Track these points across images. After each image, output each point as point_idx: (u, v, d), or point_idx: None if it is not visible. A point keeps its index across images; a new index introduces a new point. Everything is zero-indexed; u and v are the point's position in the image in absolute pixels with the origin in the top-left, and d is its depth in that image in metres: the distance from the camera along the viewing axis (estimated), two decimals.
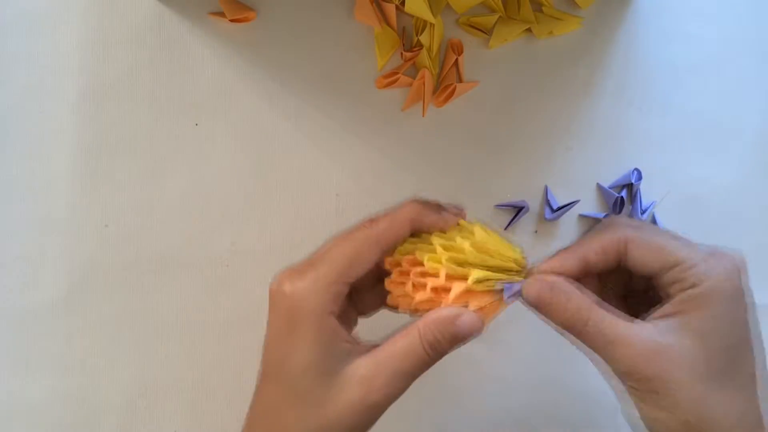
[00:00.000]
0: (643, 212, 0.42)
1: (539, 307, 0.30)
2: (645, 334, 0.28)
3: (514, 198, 0.43)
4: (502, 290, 0.30)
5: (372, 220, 0.31)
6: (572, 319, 0.30)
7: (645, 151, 0.43)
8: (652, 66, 0.44)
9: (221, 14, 0.42)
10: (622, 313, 0.29)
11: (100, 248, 0.42)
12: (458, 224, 0.32)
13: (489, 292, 0.30)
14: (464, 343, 0.29)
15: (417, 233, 0.32)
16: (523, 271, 0.31)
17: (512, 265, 0.30)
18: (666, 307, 0.29)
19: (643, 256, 0.30)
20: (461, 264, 0.30)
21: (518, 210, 0.42)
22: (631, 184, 0.42)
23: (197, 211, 0.42)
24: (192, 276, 0.42)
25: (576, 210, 0.43)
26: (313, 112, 0.42)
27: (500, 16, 0.43)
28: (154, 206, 0.42)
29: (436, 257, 0.30)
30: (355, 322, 0.34)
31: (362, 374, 0.29)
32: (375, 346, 0.30)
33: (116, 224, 0.42)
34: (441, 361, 0.42)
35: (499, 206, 0.43)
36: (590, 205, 0.43)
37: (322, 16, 0.43)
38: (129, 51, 0.42)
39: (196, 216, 0.42)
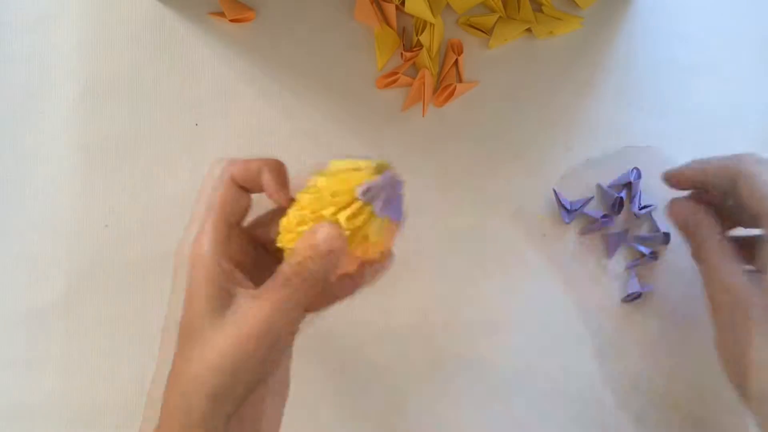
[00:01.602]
0: (641, 209, 0.42)
1: (678, 226, 0.37)
2: (729, 269, 0.33)
3: (514, 198, 0.43)
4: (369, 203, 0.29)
5: (231, 160, 0.32)
6: (696, 243, 0.36)
7: (645, 151, 0.43)
8: (652, 66, 0.44)
9: (221, 14, 0.42)
10: (733, 250, 0.34)
11: (100, 248, 0.42)
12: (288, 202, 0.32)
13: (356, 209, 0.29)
14: (331, 257, 0.29)
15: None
16: (378, 170, 0.30)
17: (363, 174, 0.29)
18: (757, 256, 0.33)
19: (747, 196, 0.33)
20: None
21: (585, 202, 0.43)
22: (631, 183, 0.42)
23: None
24: None
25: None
26: (313, 112, 0.42)
27: (500, 16, 0.43)
28: (154, 206, 0.42)
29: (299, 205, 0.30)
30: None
31: (241, 308, 0.29)
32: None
33: (116, 224, 0.42)
34: (441, 361, 0.42)
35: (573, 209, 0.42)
36: (590, 205, 0.43)
37: (322, 16, 0.43)
38: (129, 51, 0.42)
39: None
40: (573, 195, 0.43)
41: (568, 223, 0.43)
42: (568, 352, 0.43)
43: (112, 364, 0.41)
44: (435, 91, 0.43)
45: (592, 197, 0.43)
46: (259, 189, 0.32)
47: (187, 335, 0.30)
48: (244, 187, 0.32)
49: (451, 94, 0.42)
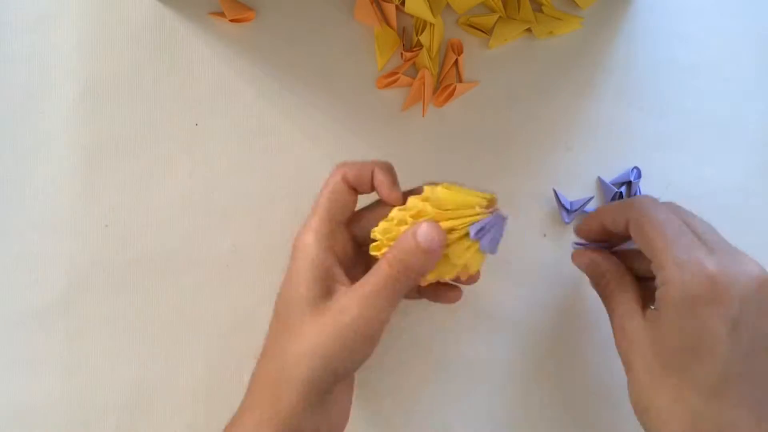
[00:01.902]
0: None
1: (586, 272, 0.37)
2: (624, 311, 0.33)
3: (514, 198, 0.43)
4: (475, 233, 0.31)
5: (344, 163, 0.35)
6: (599, 290, 0.37)
7: (645, 150, 0.43)
8: (652, 66, 0.44)
9: (221, 14, 0.42)
10: (635, 299, 0.34)
11: (100, 248, 0.42)
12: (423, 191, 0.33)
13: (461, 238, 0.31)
14: (430, 257, 0.30)
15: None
16: (492, 209, 0.32)
17: (476, 209, 0.31)
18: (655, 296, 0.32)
19: (639, 241, 0.33)
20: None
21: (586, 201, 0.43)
22: (630, 182, 0.42)
23: (197, 211, 0.42)
24: (192, 276, 0.42)
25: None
26: (313, 111, 0.43)
27: (500, 16, 0.43)
28: (154, 206, 0.42)
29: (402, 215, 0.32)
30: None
31: (339, 302, 0.31)
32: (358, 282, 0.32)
33: (116, 224, 0.42)
34: (442, 362, 0.42)
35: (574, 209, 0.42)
36: (590, 204, 0.43)
37: (322, 15, 0.43)
38: (129, 51, 0.42)
39: (196, 216, 0.42)
40: (573, 195, 0.43)
41: (568, 223, 0.43)
42: (568, 352, 0.43)
43: (112, 364, 0.41)
44: (435, 91, 0.43)
45: (592, 197, 0.43)
46: (368, 189, 0.35)
47: (281, 321, 0.32)
48: (354, 188, 0.34)
49: (451, 94, 0.42)
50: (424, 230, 0.30)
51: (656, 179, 0.43)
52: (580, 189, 0.43)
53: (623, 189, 0.43)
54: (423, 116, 0.43)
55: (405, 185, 0.43)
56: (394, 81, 0.42)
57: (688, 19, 0.44)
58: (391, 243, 0.32)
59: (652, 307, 0.33)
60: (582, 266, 0.38)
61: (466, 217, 0.31)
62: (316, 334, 0.30)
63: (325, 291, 0.32)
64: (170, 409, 0.42)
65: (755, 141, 0.44)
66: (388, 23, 0.42)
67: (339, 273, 0.33)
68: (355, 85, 0.43)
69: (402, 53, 0.42)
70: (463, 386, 0.42)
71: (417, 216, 0.32)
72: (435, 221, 0.31)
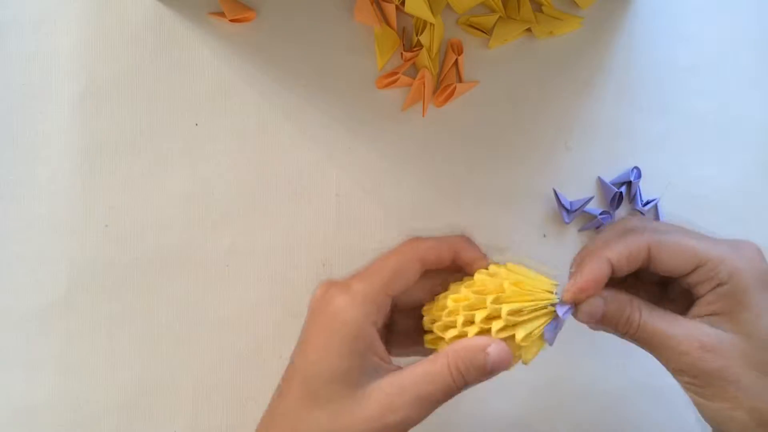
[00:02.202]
0: (644, 205, 0.42)
1: (596, 322, 0.32)
2: (692, 331, 0.30)
3: (514, 198, 0.43)
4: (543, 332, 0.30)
5: (418, 238, 0.33)
6: (625, 326, 0.31)
7: (645, 150, 0.43)
8: (652, 66, 0.44)
9: (221, 14, 0.42)
10: (668, 312, 0.31)
11: (100, 248, 0.42)
12: (487, 268, 0.32)
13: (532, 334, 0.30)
14: (493, 375, 0.29)
15: (447, 287, 0.33)
16: (555, 299, 0.31)
17: (547, 306, 0.30)
18: (704, 306, 0.30)
19: (670, 260, 0.31)
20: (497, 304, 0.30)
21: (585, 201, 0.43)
22: (630, 182, 0.42)
23: (197, 211, 0.42)
24: (192, 276, 0.42)
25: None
26: (313, 112, 0.42)
27: (500, 16, 0.43)
28: (154, 206, 0.42)
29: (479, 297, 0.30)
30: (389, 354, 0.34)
31: (385, 392, 0.29)
32: (404, 366, 0.30)
33: (116, 224, 0.42)
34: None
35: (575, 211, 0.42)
36: (590, 204, 0.43)
37: (322, 16, 0.43)
38: (129, 51, 0.42)
39: (196, 216, 0.42)
40: (573, 195, 0.43)
41: (568, 223, 0.43)
42: (569, 352, 0.43)
43: (112, 364, 0.41)
44: (435, 91, 0.43)
45: (592, 197, 0.43)
46: (438, 265, 0.32)
47: (308, 393, 0.29)
48: (427, 267, 0.32)
49: (451, 94, 0.42)
50: (497, 351, 0.29)
51: (656, 179, 0.43)
52: (580, 189, 0.43)
53: (623, 189, 0.43)
54: (423, 116, 0.43)
55: (405, 185, 0.43)
56: (394, 81, 0.42)
57: (688, 19, 0.44)
58: (447, 334, 0.31)
59: (694, 318, 0.31)
60: (600, 311, 0.32)
61: (539, 316, 0.30)
62: (351, 421, 0.28)
63: (365, 371, 0.29)
64: (170, 409, 0.42)
65: (755, 141, 0.44)
66: (388, 23, 0.42)
67: (381, 350, 0.30)
68: (355, 85, 0.43)
69: (402, 53, 0.42)
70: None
71: (484, 319, 0.30)
72: (503, 323, 0.29)
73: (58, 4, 0.42)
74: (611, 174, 0.43)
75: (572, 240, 0.43)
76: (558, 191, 0.42)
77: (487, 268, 0.32)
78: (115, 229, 0.42)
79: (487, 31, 0.43)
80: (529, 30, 0.43)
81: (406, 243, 0.33)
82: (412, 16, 0.42)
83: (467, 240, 0.33)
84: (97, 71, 0.42)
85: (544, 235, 0.43)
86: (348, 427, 0.28)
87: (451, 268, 0.34)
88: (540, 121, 0.43)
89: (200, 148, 0.42)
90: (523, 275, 0.31)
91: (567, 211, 0.42)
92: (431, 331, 0.33)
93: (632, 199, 0.43)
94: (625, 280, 0.34)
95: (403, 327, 0.34)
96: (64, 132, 0.42)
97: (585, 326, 0.42)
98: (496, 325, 0.29)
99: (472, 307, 0.30)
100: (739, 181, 0.44)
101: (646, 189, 0.43)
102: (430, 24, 0.41)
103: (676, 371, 0.30)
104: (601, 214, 0.42)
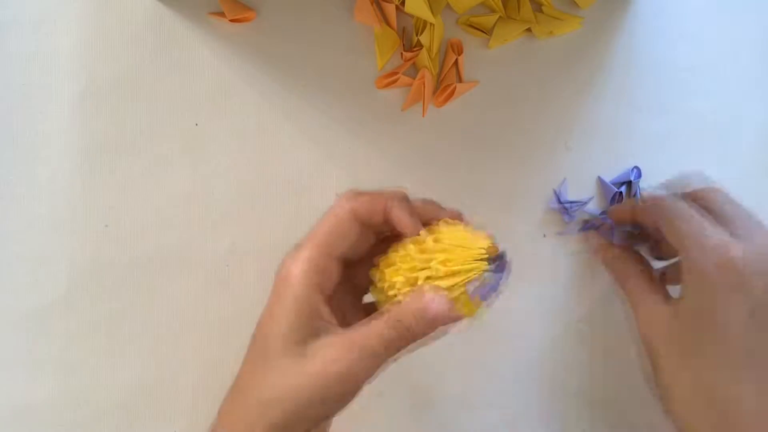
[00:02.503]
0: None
1: (607, 268, 0.40)
2: (648, 300, 0.35)
3: (514, 198, 0.43)
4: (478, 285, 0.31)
5: (353, 193, 0.32)
6: (620, 282, 0.39)
7: (645, 150, 0.43)
8: (652, 66, 0.44)
9: (221, 14, 0.42)
10: (652, 284, 0.36)
11: (100, 248, 0.42)
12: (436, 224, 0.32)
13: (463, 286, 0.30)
14: (436, 325, 0.30)
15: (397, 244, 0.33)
16: (494, 258, 0.31)
17: (479, 265, 0.30)
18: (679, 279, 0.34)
19: (668, 234, 0.34)
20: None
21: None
22: (630, 181, 0.42)
23: (197, 211, 0.42)
24: (192, 276, 0.42)
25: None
26: (313, 112, 0.42)
27: (500, 16, 0.43)
28: (154, 206, 0.42)
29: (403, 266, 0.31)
30: (356, 306, 0.34)
31: (330, 348, 0.29)
32: (349, 327, 0.30)
33: (116, 224, 0.42)
34: (443, 361, 0.42)
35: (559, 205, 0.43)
36: (590, 204, 0.43)
37: (322, 16, 0.43)
38: (129, 51, 0.42)
39: (196, 216, 0.42)
40: (573, 195, 0.43)
41: (567, 223, 0.43)
42: (569, 351, 0.43)
43: (112, 364, 0.41)
44: (435, 91, 0.43)
45: (592, 197, 0.43)
46: (379, 224, 0.32)
47: (259, 355, 0.30)
48: (363, 222, 0.32)
49: (451, 94, 0.42)
50: (435, 300, 0.29)
51: (656, 179, 0.43)
52: (580, 189, 0.43)
53: (623, 189, 0.43)
54: (423, 116, 0.43)
55: (405, 185, 0.43)
56: (394, 81, 0.42)
57: (688, 19, 0.44)
58: (393, 291, 0.31)
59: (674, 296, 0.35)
60: (606, 261, 0.40)
61: (469, 272, 0.30)
62: (296, 377, 0.29)
63: (310, 331, 0.30)
64: (170, 409, 0.42)
65: (755, 141, 0.44)
66: (388, 23, 0.42)
67: (326, 312, 0.31)
68: (355, 85, 0.43)
69: (402, 53, 0.42)
70: (459, 386, 0.42)
71: (414, 269, 0.30)
72: (440, 276, 0.30)
73: (58, 4, 0.42)
74: (611, 174, 0.43)
75: (573, 240, 0.43)
76: (559, 191, 0.42)
77: (418, 231, 0.32)
78: (115, 229, 0.42)
79: (487, 31, 0.43)
80: (529, 30, 0.43)
81: (340, 200, 0.32)
82: (412, 16, 0.42)
83: (400, 198, 0.32)
84: (97, 71, 0.42)
85: (544, 235, 0.43)
86: (293, 382, 0.29)
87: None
88: (540, 121, 0.43)
89: (200, 148, 0.42)
90: (460, 232, 0.31)
91: (567, 211, 0.42)
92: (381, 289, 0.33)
93: (633, 197, 0.43)
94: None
95: (366, 280, 0.34)
96: (64, 132, 0.42)
97: (583, 326, 0.42)
98: (424, 274, 0.30)
99: (414, 269, 0.31)
100: (739, 181, 0.44)
101: (646, 189, 0.43)
102: (430, 24, 0.41)
103: (638, 334, 0.36)
104: (601, 213, 0.42)
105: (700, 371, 0.32)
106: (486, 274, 0.30)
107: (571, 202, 0.42)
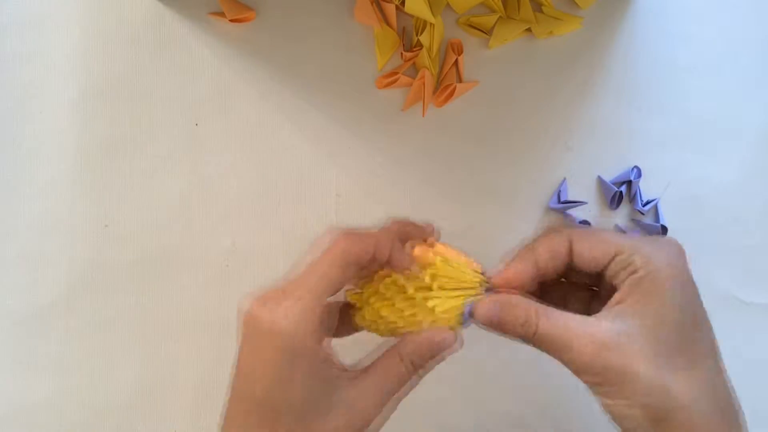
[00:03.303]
0: (644, 205, 0.42)
1: (491, 326, 0.31)
2: (591, 330, 0.29)
3: (514, 198, 0.43)
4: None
5: (350, 235, 0.30)
6: (522, 330, 0.30)
7: (645, 150, 0.43)
8: (652, 66, 0.44)
9: (221, 14, 0.42)
10: (568, 314, 0.30)
11: (100, 248, 0.42)
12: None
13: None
14: (443, 359, 0.31)
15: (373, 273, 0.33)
16: (483, 287, 0.32)
17: (474, 291, 0.32)
18: (615, 296, 0.30)
19: (590, 250, 0.31)
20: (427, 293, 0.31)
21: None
22: (630, 181, 0.42)
23: (197, 211, 0.42)
24: (192, 276, 0.42)
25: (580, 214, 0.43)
26: (313, 112, 0.42)
27: (500, 16, 0.43)
28: (154, 206, 0.42)
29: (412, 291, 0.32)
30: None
31: (350, 399, 0.29)
32: (360, 370, 0.30)
33: (116, 224, 0.42)
34: (442, 361, 0.42)
35: (557, 206, 0.43)
36: (590, 204, 0.43)
37: (322, 16, 0.43)
38: (129, 51, 0.42)
39: (196, 216, 0.42)
40: (573, 195, 0.43)
41: (551, 208, 0.43)
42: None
43: (112, 364, 0.41)
44: (435, 91, 0.43)
45: (586, 203, 0.43)
46: (370, 262, 0.30)
47: (273, 424, 0.28)
48: (355, 264, 0.30)
49: (451, 94, 0.42)
50: (444, 338, 0.30)
51: (656, 179, 0.43)
52: (580, 189, 0.43)
53: (623, 188, 0.43)
54: (423, 116, 0.43)
55: (405, 185, 0.43)
56: (394, 81, 0.42)
57: (687, 19, 0.44)
58: (388, 325, 0.32)
59: (604, 311, 0.30)
60: (495, 314, 0.31)
61: (465, 296, 0.32)
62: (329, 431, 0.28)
63: (328, 384, 0.28)
64: (170, 409, 0.42)
65: (755, 141, 0.44)
66: (388, 23, 0.42)
67: (334, 359, 0.29)
68: (355, 85, 0.43)
69: (402, 53, 0.42)
70: (459, 386, 0.42)
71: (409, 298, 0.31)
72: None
73: (58, 4, 0.42)
74: (611, 174, 0.43)
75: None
76: (558, 191, 0.42)
77: (409, 265, 0.32)
78: (115, 229, 0.42)
79: (487, 31, 0.43)
80: (529, 30, 0.43)
81: (334, 239, 0.30)
82: (412, 16, 0.42)
83: (392, 237, 0.31)
84: (97, 71, 0.42)
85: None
86: None
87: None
88: (540, 121, 0.43)
89: (200, 148, 0.42)
90: (452, 257, 0.32)
91: (558, 198, 0.42)
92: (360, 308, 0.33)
93: (632, 198, 0.43)
94: (559, 284, 0.34)
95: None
96: (64, 132, 0.42)
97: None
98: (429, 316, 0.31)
99: (412, 306, 0.32)
100: (739, 181, 0.44)
101: (646, 189, 0.43)
102: (430, 24, 0.41)
103: (578, 372, 0.29)
104: (580, 222, 0.42)
105: (695, 364, 0.28)
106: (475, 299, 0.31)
107: (569, 202, 0.42)
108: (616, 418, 0.29)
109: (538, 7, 0.43)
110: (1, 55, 0.42)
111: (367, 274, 0.33)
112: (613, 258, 0.30)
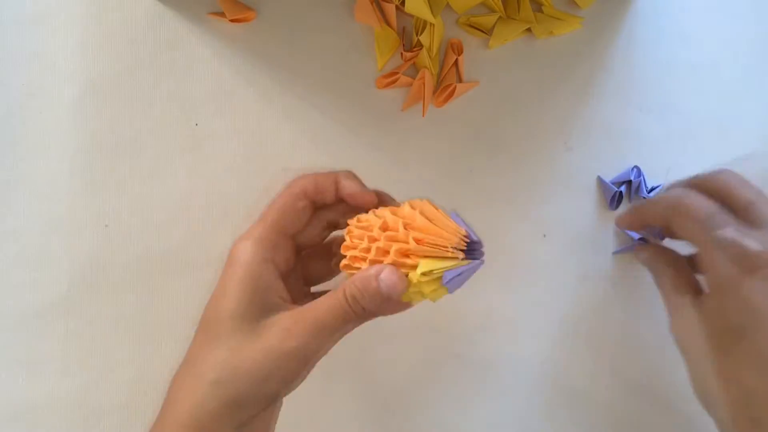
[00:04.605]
0: (649, 192, 0.42)
1: (646, 265, 0.39)
2: (679, 307, 0.34)
3: (514, 198, 0.43)
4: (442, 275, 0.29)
5: (303, 174, 0.33)
6: (659, 283, 0.38)
7: (645, 150, 0.43)
8: (652, 66, 0.44)
9: (221, 14, 0.42)
10: (688, 289, 0.35)
11: (100, 248, 0.42)
12: (407, 203, 0.31)
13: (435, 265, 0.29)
14: (389, 302, 0.29)
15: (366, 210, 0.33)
16: (472, 247, 0.30)
17: (453, 251, 0.29)
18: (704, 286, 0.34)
19: (681, 234, 0.34)
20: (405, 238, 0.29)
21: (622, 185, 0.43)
22: (630, 181, 0.43)
23: (197, 211, 0.42)
24: (192, 276, 0.42)
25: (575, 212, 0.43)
26: (313, 112, 0.43)
27: (500, 16, 0.43)
28: (154, 206, 0.42)
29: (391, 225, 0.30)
30: (306, 294, 0.35)
31: (283, 323, 0.29)
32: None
33: (116, 224, 0.42)
34: (442, 362, 0.42)
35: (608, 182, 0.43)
36: (590, 204, 0.43)
37: (322, 16, 0.43)
38: (129, 51, 0.42)
39: (196, 216, 0.42)
40: (573, 195, 0.43)
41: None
42: (568, 352, 0.43)
43: (112, 364, 0.41)
44: (435, 91, 0.43)
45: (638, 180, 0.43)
46: (330, 200, 0.33)
47: (211, 333, 0.30)
48: (312, 200, 0.32)
49: (451, 94, 0.42)
50: (387, 277, 0.28)
51: (656, 179, 0.43)
52: (580, 189, 0.43)
53: (623, 188, 0.43)
54: (423, 116, 0.43)
55: (405, 185, 0.43)
56: (394, 81, 0.42)
57: (688, 19, 0.44)
58: (351, 258, 0.30)
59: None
60: (643, 260, 0.40)
61: (442, 258, 0.29)
62: (250, 354, 0.28)
63: (263, 307, 0.29)
64: None
65: (755, 141, 0.44)
66: (388, 23, 0.42)
67: (280, 288, 0.31)
68: (355, 85, 0.43)
69: (402, 53, 0.42)
70: (459, 386, 0.42)
71: (390, 239, 0.30)
72: (403, 258, 0.29)
73: (58, 4, 0.42)
74: (611, 174, 0.43)
75: (572, 240, 0.43)
76: (603, 178, 0.43)
77: (374, 202, 0.32)
78: (115, 229, 0.42)
79: (487, 31, 0.43)
80: (529, 30, 0.43)
81: (291, 180, 0.33)
82: (412, 16, 0.42)
83: (349, 174, 0.33)
84: (97, 71, 0.42)
85: (544, 235, 0.43)
86: (247, 359, 0.28)
87: (343, 207, 0.34)
88: (540, 121, 0.43)
89: (200, 148, 0.42)
90: (433, 215, 0.30)
91: (645, 187, 0.42)
92: (344, 257, 0.32)
93: (632, 198, 0.43)
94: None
95: (318, 271, 0.35)
96: (64, 132, 0.42)
97: (582, 326, 0.42)
98: (395, 246, 0.29)
99: (389, 238, 0.30)
100: None
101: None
102: (430, 24, 0.41)
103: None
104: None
105: (734, 371, 0.31)
106: (461, 265, 0.29)
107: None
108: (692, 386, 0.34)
109: (538, 7, 0.43)
110: (1, 55, 0.42)
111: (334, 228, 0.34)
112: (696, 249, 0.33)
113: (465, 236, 0.30)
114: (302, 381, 0.30)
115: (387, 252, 0.30)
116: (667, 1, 0.44)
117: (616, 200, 0.42)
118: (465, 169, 0.43)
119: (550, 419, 0.42)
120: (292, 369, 0.29)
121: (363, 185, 0.33)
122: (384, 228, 0.30)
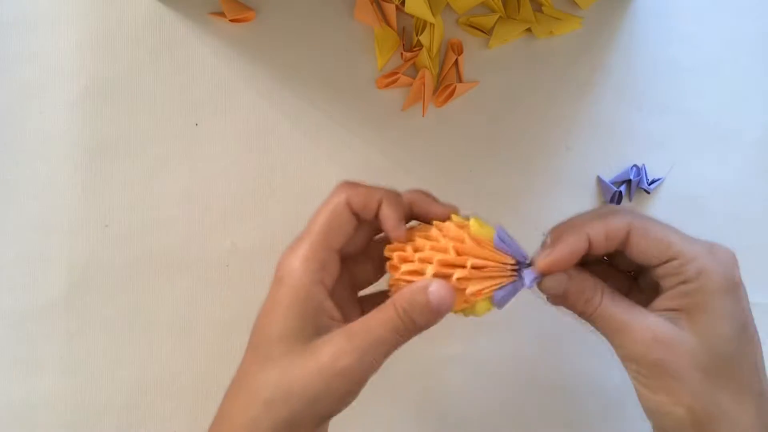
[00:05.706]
0: (650, 184, 0.42)
1: (556, 297, 0.31)
2: (648, 322, 0.29)
3: (514, 197, 0.43)
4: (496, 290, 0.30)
5: (346, 184, 0.32)
6: (584, 306, 0.31)
7: (645, 150, 0.43)
8: (652, 66, 0.44)
9: (221, 14, 0.42)
10: (629, 301, 0.31)
11: (101, 248, 0.42)
12: (450, 218, 0.32)
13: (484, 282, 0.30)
14: (439, 315, 0.29)
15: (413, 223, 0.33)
16: (518, 266, 0.31)
17: (506, 271, 0.30)
18: (666, 300, 0.30)
19: (645, 247, 0.30)
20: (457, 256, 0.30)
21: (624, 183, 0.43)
22: (630, 181, 0.43)
23: (197, 211, 0.42)
24: (192, 276, 0.42)
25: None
26: (313, 112, 0.43)
27: (500, 16, 0.43)
28: (154, 206, 0.42)
29: (436, 245, 0.30)
30: (354, 300, 0.34)
31: (335, 342, 0.29)
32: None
33: (116, 224, 0.42)
34: (440, 360, 0.42)
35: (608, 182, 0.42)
36: (590, 204, 0.43)
37: (322, 16, 0.43)
38: (129, 51, 0.42)
39: (196, 216, 0.42)
40: (573, 194, 0.43)
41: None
42: (568, 351, 0.43)
43: (112, 364, 0.42)
44: (435, 91, 0.43)
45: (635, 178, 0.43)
46: (372, 219, 0.32)
47: (262, 353, 0.29)
48: (357, 214, 0.31)
49: (451, 94, 0.42)
50: (437, 290, 0.29)
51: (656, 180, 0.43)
52: (580, 189, 0.43)
53: (623, 188, 0.43)
54: (423, 116, 0.43)
55: (405, 185, 0.43)
56: (394, 81, 0.42)
57: (688, 19, 0.44)
58: (404, 273, 0.30)
59: (654, 311, 0.30)
60: (563, 287, 0.31)
61: (494, 278, 0.30)
62: (303, 373, 0.28)
63: (315, 327, 0.29)
64: (170, 409, 0.42)
65: (755, 141, 0.44)
66: (388, 23, 0.42)
67: (330, 307, 0.30)
68: (355, 85, 0.43)
69: (402, 53, 0.42)
70: (461, 386, 0.42)
71: (441, 262, 0.30)
72: (450, 271, 0.29)
73: (58, 4, 0.42)
74: (611, 174, 0.43)
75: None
76: (602, 178, 0.43)
77: (402, 239, 0.31)
78: (115, 229, 0.42)
79: (487, 31, 0.43)
80: (529, 30, 0.43)
81: (336, 190, 0.32)
82: (412, 16, 0.42)
83: (392, 198, 0.32)
84: (97, 71, 0.42)
85: (544, 235, 0.43)
86: (300, 378, 0.28)
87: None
88: (540, 121, 0.43)
89: (200, 148, 0.42)
90: (484, 235, 0.31)
91: (647, 182, 0.42)
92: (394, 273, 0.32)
93: (632, 197, 0.43)
94: (599, 263, 0.34)
95: (363, 274, 0.34)
96: (64, 132, 0.42)
97: (582, 326, 0.42)
98: (458, 274, 0.29)
99: (446, 264, 0.30)
100: (739, 181, 0.44)
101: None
102: (430, 24, 0.41)
103: (626, 358, 0.30)
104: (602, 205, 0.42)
105: (744, 378, 0.29)
106: (509, 281, 0.30)
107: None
108: (655, 412, 0.30)
109: (538, 7, 0.43)
110: (1, 55, 0.42)
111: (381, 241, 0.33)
112: (667, 261, 0.30)
113: (514, 264, 0.30)
114: (354, 399, 0.30)
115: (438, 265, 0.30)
116: (667, 1, 0.44)
117: (615, 200, 0.42)
118: (465, 169, 0.43)
119: (548, 417, 0.42)
120: (346, 387, 0.29)
121: (400, 217, 0.31)
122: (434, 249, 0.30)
